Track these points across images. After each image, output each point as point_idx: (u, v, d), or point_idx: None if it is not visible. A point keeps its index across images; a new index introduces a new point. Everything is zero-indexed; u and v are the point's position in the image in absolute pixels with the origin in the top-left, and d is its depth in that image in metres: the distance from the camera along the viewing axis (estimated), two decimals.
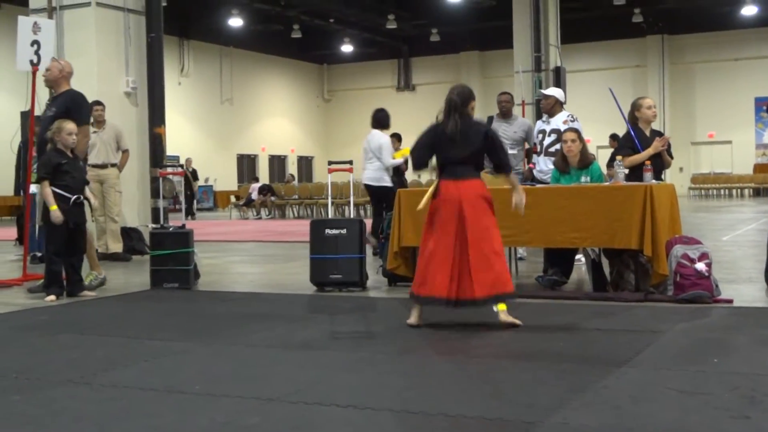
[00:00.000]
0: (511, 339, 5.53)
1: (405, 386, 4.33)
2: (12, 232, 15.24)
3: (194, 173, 28.87)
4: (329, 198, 10.18)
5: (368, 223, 8.73)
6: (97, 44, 12.13)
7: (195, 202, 28.92)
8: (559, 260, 7.71)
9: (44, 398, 4.22)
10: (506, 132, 9.78)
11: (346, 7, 31.04)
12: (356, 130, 39.82)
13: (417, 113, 37.62)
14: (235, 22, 32.86)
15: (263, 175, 36.41)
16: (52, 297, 7.54)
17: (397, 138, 15.42)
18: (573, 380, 4.33)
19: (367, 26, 34.47)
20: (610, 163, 8.20)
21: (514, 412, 3.77)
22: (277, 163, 39.98)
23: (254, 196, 26.71)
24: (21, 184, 11.47)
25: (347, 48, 38.83)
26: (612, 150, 18.63)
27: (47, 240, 7.87)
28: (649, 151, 7.59)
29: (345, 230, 8.01)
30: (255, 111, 38.92)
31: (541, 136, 9.15)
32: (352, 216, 9.08)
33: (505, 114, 10.05)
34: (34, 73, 9.48)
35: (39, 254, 10.12)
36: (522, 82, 21.60)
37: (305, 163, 41.98)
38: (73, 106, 8.30)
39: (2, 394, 4.30)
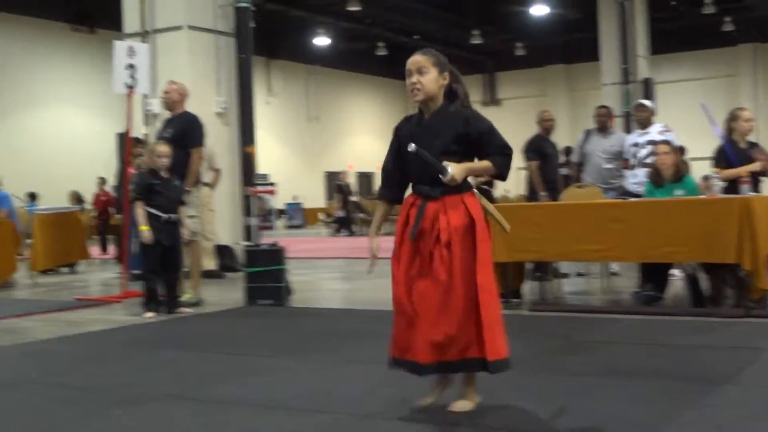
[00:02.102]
0: (610, 356, 5.45)
1: (503, 403, 4.29)
2: (112, 250, 15.68)
3: (348, 187, 28.05)
4: None
5: None
6: (190, 66, 12.41)
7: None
8: (654, 275, 7.57)
9: (146, 412, 4.32)
10: (602, 145, 9.65)
11: (430, 23, 31.06)
12: None
13: (503, 127, 36.93)
14: (321, 41, 33.21)
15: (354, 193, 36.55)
16: (151, 314, 7.74)
17: None
18: (673, 398, 4.24)
19: (451, 42, 34.36)
20: None
21: (614, 430, 3.72)
22: (364, 179, 40.11)
23: (343, 213, 26.88)
24: (119, 204, 11.77)
25: None
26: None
27: (143, 258, 8.08)
28: (750, 168, 7.42)
29: None
30: (341, 128, 39.18)
31: (635, 148, 9.01)
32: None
33: (602, 128, 9.92)
34: (130, 96, 9.75)
35: (137, 272, 10.37)
36: (610, 94, 21.32)
37: None
38: (188, 128, 8.60)
39: (105, 408, 4.41)
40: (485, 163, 3.93)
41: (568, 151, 12.67)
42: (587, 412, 4.08)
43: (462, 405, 4.01)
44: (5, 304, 9.51)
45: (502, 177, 4.03)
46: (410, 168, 4.00)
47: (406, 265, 4.02)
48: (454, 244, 3.86)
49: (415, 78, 3.91)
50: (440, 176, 3.77)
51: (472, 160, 3.94)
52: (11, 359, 6.21)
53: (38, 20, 27.20)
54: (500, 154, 3.94)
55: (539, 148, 9.88)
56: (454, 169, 3.76)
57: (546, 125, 9.99)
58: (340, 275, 12.39)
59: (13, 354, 6.42)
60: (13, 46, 26.89)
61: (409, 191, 4.11)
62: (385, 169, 4.16)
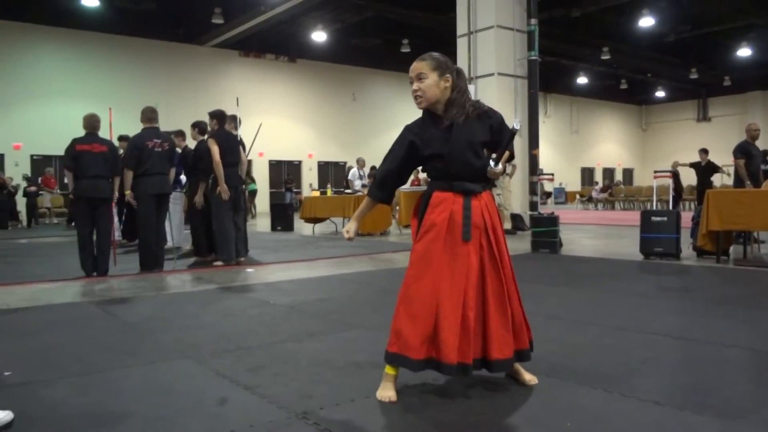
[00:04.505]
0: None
1: (719, 327, 3.88)
2: None
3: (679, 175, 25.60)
4: (654, 195, 9.44)
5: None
6: (498, 99, 12.34)
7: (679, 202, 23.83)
8: None
9: None
10: (754, 151, 8.62)
11: (660, 65, 28.57)
12: (666, 151, 36.65)
13: (712, 137, 33.97)
14: (581, 80, 31.70)
15: (600, 182, 34.83)
16: None
17: (704, 152, 14.22)
18: None
19: (675, 77, 31.38)
20: None
21: None
22: (608, 172, 37.99)
23: (594, 195, 25.63)
24: None
25: (660, 93, 35.78)
26: None
27: None
28: None
29: (666, 218, 7.40)
30: (593, 138, 37.29)
31: None
32: (671, 209, 8.33)
33: (754, 138, 8.86)
34: None
35: None
36: None
37: (627, 173, 39.39)
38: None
39: None
40: (506, 152, 2.61)
41: (765, 153, 11.22)
42: (755, 336, 3.59)
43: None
44: (385, 245, 10.08)
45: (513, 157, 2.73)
46: (451, 164, 2.59)
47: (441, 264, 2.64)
48: (499, 242, 2.67)
49: (415, 85, 2.62)
50: (491, 168, 2.56)
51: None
52: (390, 276, 6.59)
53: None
54: (510, 138, 2.60)
55: (746, 150, 8.77)
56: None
57: (753, 134, 8.86)
58: (592, 235, 11.80)
59: (391, 273, 6.82)
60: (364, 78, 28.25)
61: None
62: (389, 171, 2.68)
